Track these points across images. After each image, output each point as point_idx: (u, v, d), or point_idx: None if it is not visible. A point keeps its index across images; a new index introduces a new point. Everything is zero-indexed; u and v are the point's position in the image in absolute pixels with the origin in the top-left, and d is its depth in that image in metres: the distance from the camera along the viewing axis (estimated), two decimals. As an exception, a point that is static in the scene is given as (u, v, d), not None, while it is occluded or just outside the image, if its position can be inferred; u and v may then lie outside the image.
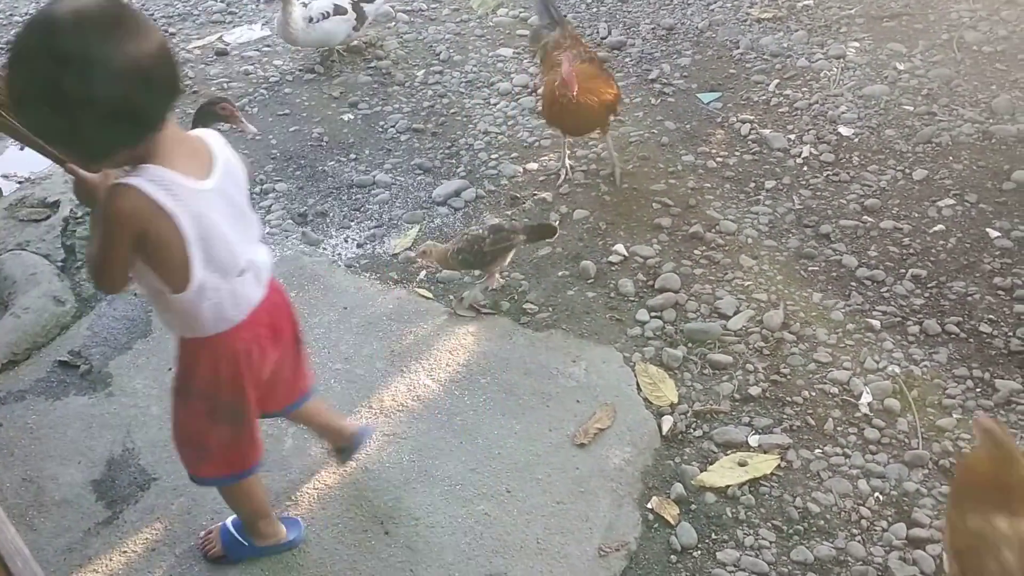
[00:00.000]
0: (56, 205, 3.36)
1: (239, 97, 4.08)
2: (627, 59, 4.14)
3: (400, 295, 2.98)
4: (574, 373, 2.66)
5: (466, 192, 3.40)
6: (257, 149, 3.73)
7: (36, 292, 2.94)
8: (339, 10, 4.08)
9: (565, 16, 3.87)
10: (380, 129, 3.81)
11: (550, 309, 2.91)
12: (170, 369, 2.72)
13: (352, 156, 3.67)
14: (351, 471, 2.40)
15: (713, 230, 3.14)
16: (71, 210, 3.32)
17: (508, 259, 2.91)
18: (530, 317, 2.88)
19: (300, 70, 4.29)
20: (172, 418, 1.94)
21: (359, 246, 3.21)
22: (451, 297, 2.96)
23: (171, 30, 4.72)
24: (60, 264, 3.11)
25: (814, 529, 2.24)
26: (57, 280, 3.02)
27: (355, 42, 4.35)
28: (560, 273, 3.04)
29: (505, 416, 2.54)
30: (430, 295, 2.99)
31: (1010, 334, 2.67)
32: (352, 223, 3.30)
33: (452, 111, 3.86)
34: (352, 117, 3.92)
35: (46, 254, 3.14)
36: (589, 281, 2.99)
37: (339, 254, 3.18)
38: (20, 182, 3.61)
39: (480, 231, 2.89)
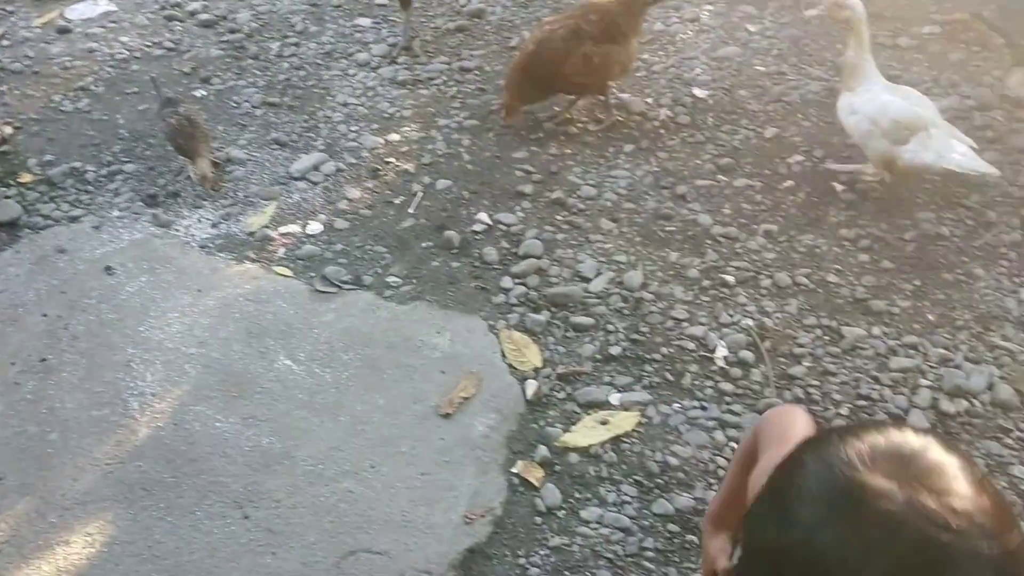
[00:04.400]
0: None
1: (83, 76, 3.88)
2: (487, 27, 4.11)
3: (257, 274, 2.90)
4: (439, 344, 2.65)
5: (325, 166, 3.33)
6: (104, 129, 3.56)
7: None
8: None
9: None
10: (234, 104, 3.68)
11: (414, 281, 2.88)
12: (13, 363, 2.59)
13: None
14: (207, 457, 2.33)
15: (574, 195, 3.16)
16: None
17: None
18: (394, 290, 2.85)
19: (148, 46, 4.10)
20: None
21: (213, 226, 3.10)
22: (311, 274, 2.90)
23: (8, 8, 4.44)
24: None
25: (674, 482, 2.29)
26: None
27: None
28: (424, 245, 3.01)
29: (368, 391, 2.50)
30: (289, 273, 2.91)
31: (855, 283, 2.78)
32: (205, 202, 3.19)
33: (309, 83, 3.76)
34: (204, 93, 3.77)
35: None
36: (453, 251, 2.97)
37: (192, 235, 3.07)
38: None
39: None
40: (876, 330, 2.62)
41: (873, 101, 2.91)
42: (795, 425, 1.25)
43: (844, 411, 2.41)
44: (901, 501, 0.79)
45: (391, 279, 2.88)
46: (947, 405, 2.40)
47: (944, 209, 3.00)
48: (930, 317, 2.65)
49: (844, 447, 0.84)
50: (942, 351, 2.54)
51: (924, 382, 2.46)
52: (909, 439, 0.85)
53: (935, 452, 0.83)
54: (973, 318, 2.64)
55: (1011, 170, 3.09)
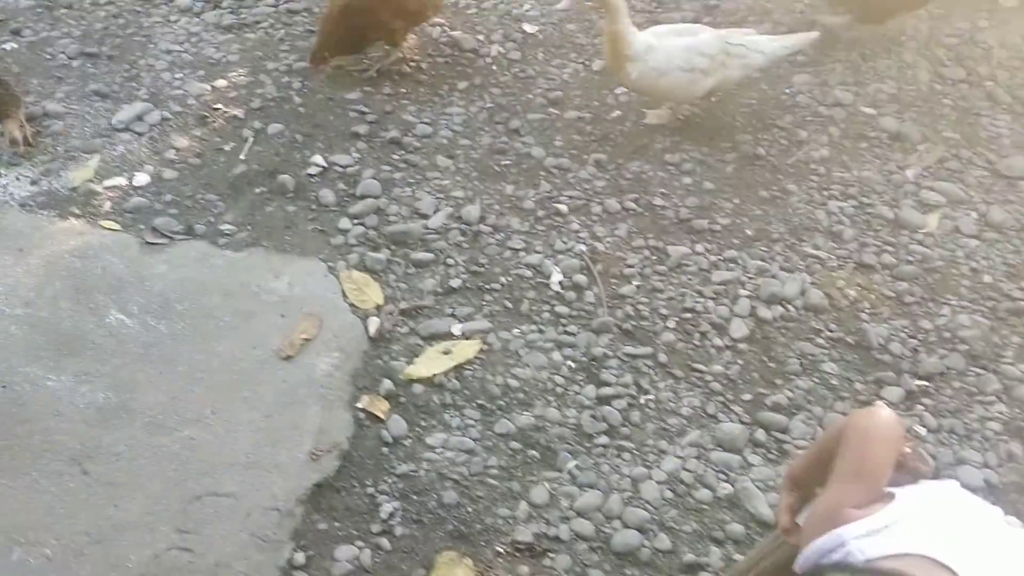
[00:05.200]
0: None
1: None
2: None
3: (83, 230, 2.80)
4: (277, 288, 2.63)
5: (150, 115, 3.21)
6: (-97, 88, 3.31)
7: None
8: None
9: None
10: (48, 56, 3.49)
11: (249, 228, 2.84)
12: None
13: (19, 88, 3.35)
14: (39, 417, 2.26)
15: (410, 134, 3.17)
16: None
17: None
18: (228, 238, 2.80)
19: (-52, -3, 3.83)
20: None
21: (33, 183, 2.96)
22: (141, 227, 2.82)
23: None
24: None
25: (515, 402, 2.37)
26: None
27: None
28: (257, 190, 2.97)
29: (206, 340, 2.48)
30: (117, 227, 2.82)
31: (680, 204, 2.91)
32: (23, 159, 3.04)
33: (129, 32, 3.60)
34: (15, 46, 3.56)
35: None
36: (288, 195, 2.95)
37: (11, 193, 2.92)
38: None
39: None
40: (699, 247, 2.77)
41: (660, 55, 2.91)
42: (874, 458, 1.29)
43: (671, 324, 2.55)
44: None
45: (225, 227, 2.83)
46: (764, 312, 2.56)
47: (760, 131, 3.17)
48: (748, 232, 2.81)
49: None
50: (759, 263, 2.71)
51: (743, 292, 2.62)
52: None
53: None
54: (787, 231, 2.82)
55: (820, 91, 3.28)
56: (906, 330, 2.51)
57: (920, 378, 2.39)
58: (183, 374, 2.38)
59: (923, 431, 2.26)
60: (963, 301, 2.58)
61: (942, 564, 1.14)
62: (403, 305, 2.62)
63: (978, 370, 2.41)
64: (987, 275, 2.65)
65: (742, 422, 2.30)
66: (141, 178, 3.00)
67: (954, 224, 2.80)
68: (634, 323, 2.56)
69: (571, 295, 2.64)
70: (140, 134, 3.16)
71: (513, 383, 2.41)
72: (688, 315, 2.58)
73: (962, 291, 2.62)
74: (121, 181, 2.99)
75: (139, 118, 3.21)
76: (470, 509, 2.15)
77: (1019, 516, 1.23)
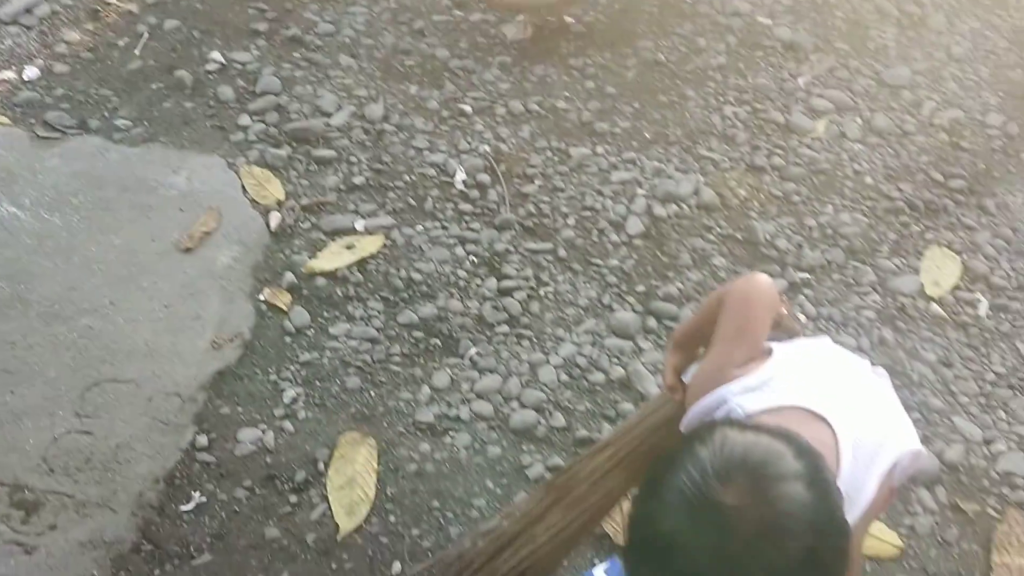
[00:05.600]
0: None
1: None
2: None
3: (-31, 123, 2.70)
4: (175, 183, 2.60)
5: (39, 8, 3.09)
6: None
7: None
8: None
9: None
10: (-76, -57, 3.30)
11: (145, 123, 2.78)
12: None
13: None
14: (-72, 307, 2.21)
15: (311, 32, 3.13)
16: None
17: None
18: (124, 133, 2.74)
19: None
20: None
21: (-88, 74, 2.83)
22: (32, 120, 2.73)
23: None
24: None
25: (418, 294, 2.42)
26: None
27: None
28: (154, 86, 2.90)
29: (103, 233, 2.44)
30: (7, 121, 2.73)
31: (582, 107, 2.96)
32: (-100, 49, 2.90)
33: (12, -80, 3.43)
34: None
35: None
36: (186, 91, 2.89)
37: None
38: None
39: None
40: (600, 149, 2.83)
41: None
42: (753, 319, 1.37)
43: (571, 221, 2.61)
44: (754, 519, 0.97)
45: (120, 122, 2.77)
46: (660, 210, 2.65)
47: (661, 38, 3.23)
48: (647, 135, 2.89)
49: (706, 458, 1.02)
50: (656, 164, 2.79)
51: (640, 191, 2.70)
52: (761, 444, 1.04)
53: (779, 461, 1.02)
54: (683, 134, 2.90)
55: (719, 1, 3.35)
56: (792, 227, 2.63)
57: (803, 271, 2.51)
58: (79, 265, 2.35)
59: (803, 319, 2.39)
60: (845, 201, 2.72)
61: (815, 414, 1.25)
62: (305, 201, 2.62)
63: (856, 263, 2.55)
64: (868, 177, 2.79)
65: (635, 311, 2.39)
66: (31, 72, 2.90)
67: (840, 129, 2.93)
68: (535, 220, 2.62)
69: (475, 193, 2.68)
70: (29, 27, 3.04)
71: (416, 276, 2.45)
72: (587, 213, 2.65)
73: (845, 191, 2.75)
74: (10, 75, 2.89)
75: (27, 11, 3.08)
76: (373, 394, 2.20)
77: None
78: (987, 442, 2.17)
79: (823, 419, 1.23)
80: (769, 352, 1.36)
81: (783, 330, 1.47)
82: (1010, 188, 2.78)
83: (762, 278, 1.44)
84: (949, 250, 2.59)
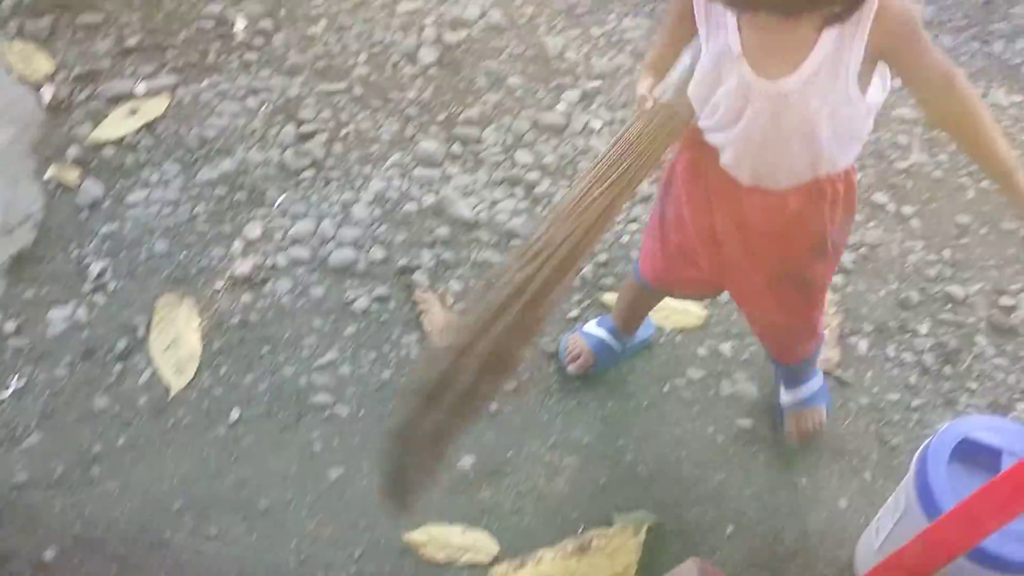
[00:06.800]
0: None
1: None
2: None
3: None
4: (-75, 67, 2.38)
5: None
6: None
7: None
8: None
9: None
10: None
11: None
12: None
13: None
14: None
15: None
16: None
17: None
18: None
19: None
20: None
21: None
22: None
23: None
24: None
25: (214, 151, 2.35)
26: None
27: None
28: None
29: None
30: None
31: (358, -59, 2.87)
32: None
33: None
34: None
35: None
36: (-83, -33, 2.61)
37: None
38: None
39: None
40: (382, -19, 2.77)
41: None
42: None
43: (363, 58, 2.58)
44: None
45: None
46: (450, 36, 2.65)
47: None
48: (428, -38, 2.84)
49: None
50: (441, -9, 2.76)
51: (428, 20, 2.68)
52: None
53: None
54: (465, -42, 2.87)
55: None
56: (579, 39, 2.69)
57: (593, 79, 2.59)
58: None
59: (598, 125, 2.48)
60: (626, 6, 2.79)
61: None
62: (78, 71, 2.46)
63: (643, 67, 2.65)
64: (647, -18, 2.87)
65: (438, 139, 2.42)
66: None
67: (616, -62, 2.97)
68: (326, 62, 2.57)
69: (259, 41, 2.59)
70: None
71: (210, 133, 2.38)
72: (378, 48, 2.61)
73: (626, -1, 2.82)
74: None
75: None
76: (183, 255, 2.16)
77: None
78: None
79: None
80: None
81: None
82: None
83: None
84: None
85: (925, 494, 1.41)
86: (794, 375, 1.85)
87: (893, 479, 1.80)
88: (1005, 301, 2.12)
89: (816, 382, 1.87)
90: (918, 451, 1.51)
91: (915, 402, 1.96)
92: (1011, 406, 1.96)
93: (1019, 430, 1.45)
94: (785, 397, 1.88)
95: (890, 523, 1.56)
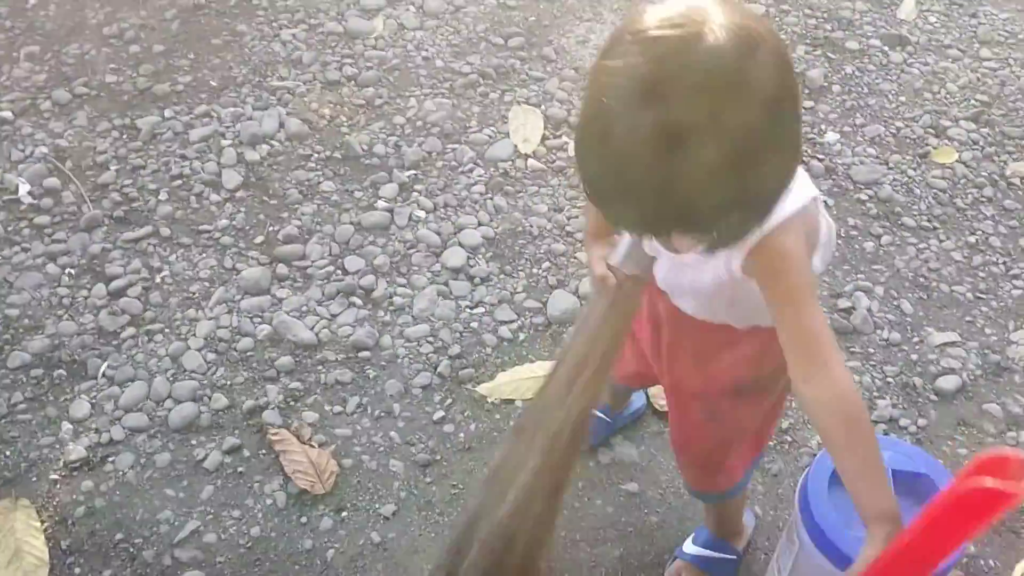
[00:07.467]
0: None
1: None
2: None
3: None
4: None
5: None
6: None
7: None
8: None
9: None
10: None
11: None
12: None
13: None
14: None
15: None
16: None
17: None
18: None
19: None
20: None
21: None
22: None
23: None
24: None
25: (21, 330, 2.18)
26: None
27: None
28: None
29: None
30: None
31: (134, 75, 2.76)
32: None
33: None
34: None
35: None
36: None
37: None
38: None
39: None
40: (168, 112, 2.66)
41: None
42: None
43: (164, 196, 2.46)
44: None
45: None
46: (251, 154, 2.56)
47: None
48: (213, 83, 2.75)
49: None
50: (232, 109, 2.67)
51: (225, 142, 2.59)
52: None
53: None
54: (250, 71, 2.80)
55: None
56: (384, 130, 2.66)
57: (408, 169, 2.56)
58: None
59: (422, 215, 2.44)
60: (424, 89, 2.78)
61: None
62: None
63: (453, 145, 2.63)
64: (438, 60, 2.87)
65: (261, 263, 2.32)
66: None
67: (398, 22, 2.97)
68: (125, 208, 2.43)
69: (47, 202, 2.43)
70: None
71: (12, 313, 2.20)
72: (178, 182, 2.50)
73: (422, 80, 2.81)
74: None
75: None
76: (8, 453, 1.97)
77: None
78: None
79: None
80: None
81: None
82: (561, 32, 2.99)
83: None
84: (528, 105, 2.75)
85: (816, 533, 1.41)
86: (709, 537, 1.74)
87: (782, 508, 1.81)
88: (843, 303, 2.19)
89: (727, 559, 1.74)
90: (799, 484, 1.52)
91: (785, 424, 1.98)
92: (872, 406, 2.01)
93: (887, 440, 1.47)
94: (689, 547, 1.75)
95: (789, 561, 1.55)
